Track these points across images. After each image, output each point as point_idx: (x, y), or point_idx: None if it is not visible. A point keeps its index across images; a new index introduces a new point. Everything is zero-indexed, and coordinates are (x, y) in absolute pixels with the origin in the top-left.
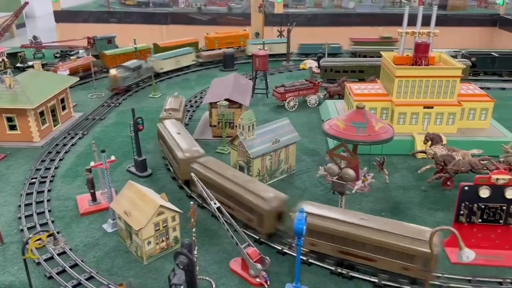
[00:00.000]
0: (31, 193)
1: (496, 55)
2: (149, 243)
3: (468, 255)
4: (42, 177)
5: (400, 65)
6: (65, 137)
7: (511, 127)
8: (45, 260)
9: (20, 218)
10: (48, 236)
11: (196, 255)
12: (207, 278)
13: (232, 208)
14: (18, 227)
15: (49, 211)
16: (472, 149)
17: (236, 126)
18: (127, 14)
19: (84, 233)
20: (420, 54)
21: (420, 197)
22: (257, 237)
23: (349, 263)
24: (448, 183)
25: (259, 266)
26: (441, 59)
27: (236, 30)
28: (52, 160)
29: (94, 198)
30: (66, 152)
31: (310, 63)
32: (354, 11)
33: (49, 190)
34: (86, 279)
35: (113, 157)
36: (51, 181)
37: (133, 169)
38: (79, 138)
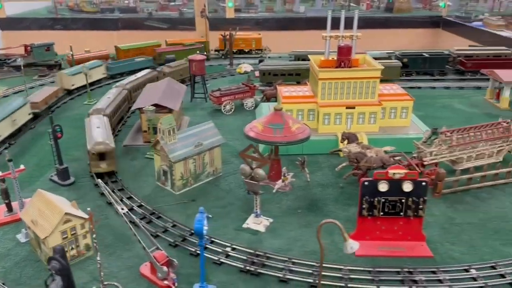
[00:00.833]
0: None
1: (427, 55)
2: None
3: (352, 245)
4: None
5: (324, 68)
6: None
7: (434, 124)
8: None
9: None
10: None
11: (99, 261)
12: (115, 284)
13: None
14: None
15: None
16: (385, 147)
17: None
18: (74, 20)
19: None
20: (343, 57)
21: (337, 194)
22: (172, 240)
23: (260, 261)
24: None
25: (165, 268)
26: (365, 61)
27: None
28: None
29: (9, 209)
30: None
31: (246, 67)
32: (305, 15)
33: None
34: None
35: (22, 166)
36: None
37: (55, 178)
38: (5, 148)
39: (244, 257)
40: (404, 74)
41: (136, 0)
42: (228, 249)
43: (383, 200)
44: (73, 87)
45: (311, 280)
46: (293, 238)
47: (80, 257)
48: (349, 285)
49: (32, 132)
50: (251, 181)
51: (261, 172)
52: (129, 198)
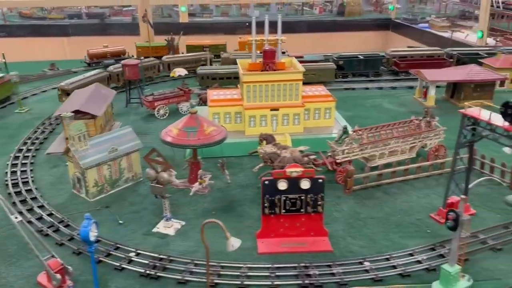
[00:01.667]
0: None
1: (362, 57)
2: None
3: (233, 243)
4: None
5: (251, 71)
6: None
7: (361, 123)
8: None
9: None
10: None
11: None
12: None
13: None
14: None
15: None
16: (299, 146)
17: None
18: (21, 27)
19: None
20: (268, 60)
21: (253, 194)
22: (76, 248)
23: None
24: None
25: (58, 276)
26: (291, 64)
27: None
28: None
29: None
30: None
31: (179, 71)
32: (258, 20)
33: None
34: None
35: None
36: None
37: None
38: None
39: (147, 262)
40: (340, 76)
41: (88, 6)
42: (132, 254)
43: (283, 198)
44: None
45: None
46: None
47: None
48: (245, 282)
49: None
50: (156, 185)
51: (165, 175)
52: (41, 206)
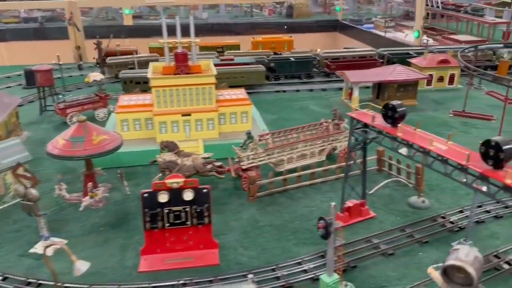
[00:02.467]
0: None
1: (293, 59)
2: None
3: (80, 267)
4: None
5: (156, 75)
6: None
7: (283, 126)
8: None
9: None
10: None
11: None
12: None
13: None
14: None
15: None
16: (203, 153)
17: None
18: None
19: None
20: (180, 64)
21: None
22: None
23: None
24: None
25: None
26: (208, 67)
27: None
28: None
29: None
30: None
31: (95, 76)
32: (206, 21)
33: None
34: None
35: None
36: None
37: None
38: None
39: (11, 287)
40: (273, 78)
41: (27, 10)
42: None
43: (166, 211)
44: None
45: None
46: (82, 259)
47: None
48: None
49: None
50: (26, 203)
51: (34, 192)
52: None
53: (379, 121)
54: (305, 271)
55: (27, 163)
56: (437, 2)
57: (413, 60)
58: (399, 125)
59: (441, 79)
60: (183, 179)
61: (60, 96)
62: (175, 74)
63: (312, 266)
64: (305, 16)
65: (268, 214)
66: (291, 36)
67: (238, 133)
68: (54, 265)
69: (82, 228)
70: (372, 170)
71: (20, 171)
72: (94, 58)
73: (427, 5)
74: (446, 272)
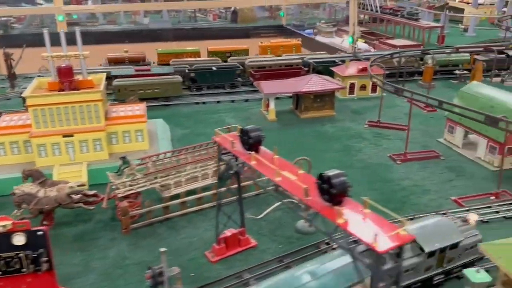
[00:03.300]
0: None
1: (215, 69)
2: None
3: None
4: None
5: (33, 93)
6: None
7: (193, 141)
8: None
9: None
10: None
11: None
12: None
13: None
14: None
15: None
16: (71, 182)
17: None
18: None
19: None
20: (64, 79)
21: None
22: None
23: None
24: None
25: None
26: (101, 81)
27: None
28: None
29: None
30: None
31: None
32: (147, 27)
33: None
34: None
35: None
36: None
37: None
38: None
39: None
40: (194, 89)
41: None
42: None
43: None
44: None
45: None
46: None
47: None
48: None
49: None
50: None
51: None
52: None
53: (238, 146)
54: None
55: None
56: (376, 7)
57: (335, 69)
58: (254, 152)
59: (363, 87)
60: (11, 222)
61: None
62: (59, 91)
63: None
64: (249, 21)
65: (140, 249)
66: (299, 40)
67: (133, 153)
68: None
69: None
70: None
71: None
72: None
73: (366, 9)
74: None
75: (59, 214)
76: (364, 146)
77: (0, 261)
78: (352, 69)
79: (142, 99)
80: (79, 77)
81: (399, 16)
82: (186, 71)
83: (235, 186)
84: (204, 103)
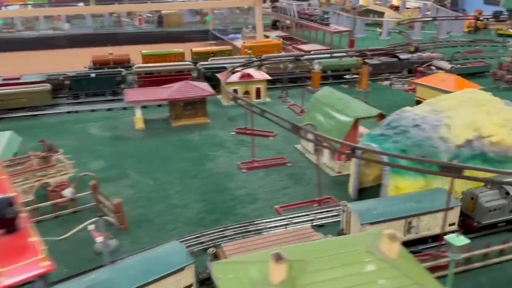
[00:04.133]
0: None
1: (94, 75)
2: None
3: None
4: None
5: None
6: None
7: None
8: None
9: None
10: None
11: None
12: None
13: None
14: None
15: None
16: None
17: None
18: None
19: None
20: None
21: None
22: None
23: None
24: None
25: None
26: None
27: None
28: None
29: None
30: None
31: None
32: (67, 33)
33: None
34: None
35: None
36: None
37: None
38: None
39: None
40: (71, 98)
41: None
42: None
43: None
44: None
45: None
46: None
47: None
48: None
49: None
50: None
51: None
52: None
53: None
54: None
55: None
56: (294, 12)
57: (219, 75)
58: None
59: (247, 93)
60: None
61: None
62: None
63: None
64: (176, 26)
65: None
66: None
67: None
68: None
69: None
70: (91, 207)
71: None
72: None
73: (285, 14)
74: None
75: None
76: (221, 154)
77: None
78: (235, 75)
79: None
80: None
81: (313, 21)
82: (61, 78)
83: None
84: (76, 112)
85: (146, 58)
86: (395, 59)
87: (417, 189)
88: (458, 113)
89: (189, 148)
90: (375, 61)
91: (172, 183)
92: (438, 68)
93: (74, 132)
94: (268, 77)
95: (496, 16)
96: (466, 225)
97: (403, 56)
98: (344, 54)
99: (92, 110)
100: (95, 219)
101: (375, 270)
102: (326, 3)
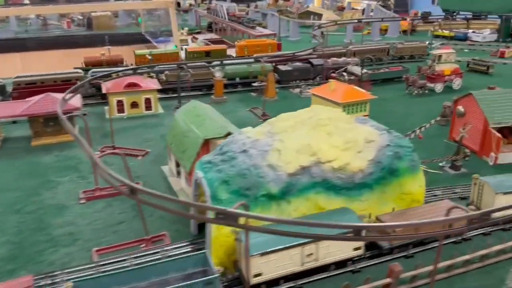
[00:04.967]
0: None
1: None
2: None
3: None
4: None
5: None
6: None
7: None
8: None
9: None
10: None
11: None
12: None
13: None
14: None
15: None
16: None
17: None
18: None
19: None
20: None
21: None
22: None
23: None
24: None
25: None
26: None
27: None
28: None
29: None
30: None
31: None
32: None
33: None
34: None
35: None
36: None
37: None
38: None
39: None
40: None
41: None
42: None
43: None
44: None
45: None
46: None
47: None
48: None
49: None
50: None
51: None
52: None
53: None
54: None
55: None
56: (224, 13)
57: (103, 84)
58: None
59: (135, 104)
60: None
61: None
62: None
63: None
64: (106, 28)
65: None
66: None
67: None
68: None
69: None
70: None
71: None
72: None
73: (217, 15)
74: None
75: None
76: (67, 180)
77: None
78: (115, 85)
79: None
80: None
81: (241, 23)
82: None
83: None
84: None
85: (140, 58)
86: (308, 65)
87: None
88: (293, 135)
89: (33, 173)
90: (287, 67)
91: None
92: (351, 74)
93: None
94: (159, 86)
95: (425, 17)
96: None
97: (316, 61)
98: (251, 60)
99: None
100: None
101: None
102: (273, 5)
